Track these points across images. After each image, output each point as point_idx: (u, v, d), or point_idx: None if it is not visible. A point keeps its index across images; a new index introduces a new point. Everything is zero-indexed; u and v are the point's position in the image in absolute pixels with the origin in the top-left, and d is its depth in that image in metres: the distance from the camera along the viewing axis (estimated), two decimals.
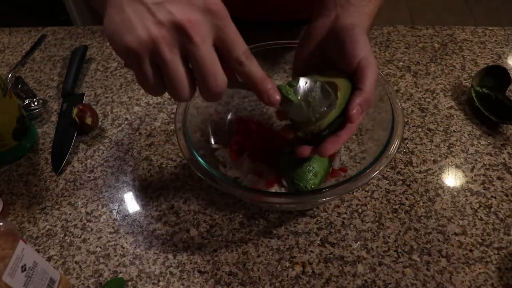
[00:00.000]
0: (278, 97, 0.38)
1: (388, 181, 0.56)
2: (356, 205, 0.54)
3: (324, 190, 0.44)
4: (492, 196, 0.54)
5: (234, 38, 0.34)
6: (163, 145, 0.62)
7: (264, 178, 0.54)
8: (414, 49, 0.74)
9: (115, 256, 0.51)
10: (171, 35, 0.31)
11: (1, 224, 0.40)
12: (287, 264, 0.49)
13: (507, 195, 0.54)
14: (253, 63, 0.36)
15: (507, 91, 0.64)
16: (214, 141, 0.57)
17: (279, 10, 0.75)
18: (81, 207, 0.56)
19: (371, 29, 0.78)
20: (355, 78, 0.43)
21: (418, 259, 0.48)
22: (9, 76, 0.75)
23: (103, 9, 0.33)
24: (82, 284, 0.49)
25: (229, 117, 0.61)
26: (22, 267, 0.39)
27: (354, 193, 0.55)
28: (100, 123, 0.66)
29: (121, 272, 0.49)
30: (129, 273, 0.49)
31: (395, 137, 0.47)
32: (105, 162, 0.61)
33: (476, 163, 0.57)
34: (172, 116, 0.66)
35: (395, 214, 0.53)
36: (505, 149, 0.59)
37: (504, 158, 0.58)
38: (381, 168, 0.44)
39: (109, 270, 0.50)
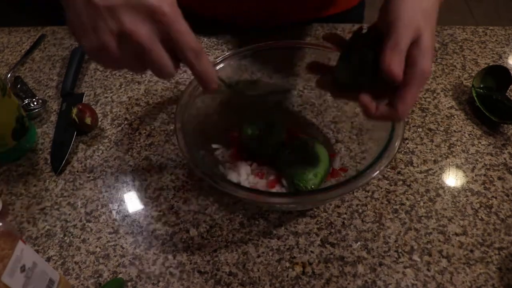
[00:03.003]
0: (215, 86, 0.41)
1: (388, 181, 0.56)
2: (357, 205, 0.53)
3: (324, 190, 0.44)
4: (493, 196, 0.54)
5: (180, 39, 0.36)
6: (163, 145, 0.62)
7: (265, 178, 0.54)
8: None
9: (115, 256, 0.51)
10: (121, 41, 0.36)
11: (0, 224, 0.40)
12: (287, 264, 0.49)
13: (507, 195, 0.54)
14: (201, 62, 0.38)
15: (507, 91, 0.64)
16: (214, 141, 0.57)
17: (274, 14, 0.75)
18: (81, 207, 0.56)
19: None
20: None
21: (419, 260, 0.48)
22: (9, 75, 0.75)
23: (65, 9, 0.39)
24: (82, 284, 0.48)
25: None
26: (21, 267, 0.39)
27: (355, 193, 0.55)
28: (99, 123, 0.66)
29: (120, 273, 0.49)
30: (129, 274, 0.49)
31: (395, 137, 0.47)
32: (105, 162, 0.61)
33: (477, 163, 0.57)
34: (172, 116, 0.66)
35: (395, 214, 0.52)
36: (506, 149, 0.59)
37: (504, 158, 0.58)
38: (382, 168, 0.44)
39: (109, 270, 0.49)
